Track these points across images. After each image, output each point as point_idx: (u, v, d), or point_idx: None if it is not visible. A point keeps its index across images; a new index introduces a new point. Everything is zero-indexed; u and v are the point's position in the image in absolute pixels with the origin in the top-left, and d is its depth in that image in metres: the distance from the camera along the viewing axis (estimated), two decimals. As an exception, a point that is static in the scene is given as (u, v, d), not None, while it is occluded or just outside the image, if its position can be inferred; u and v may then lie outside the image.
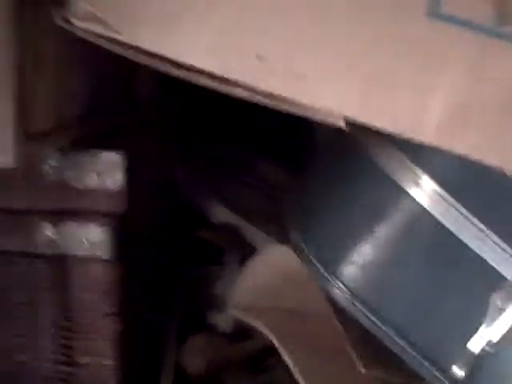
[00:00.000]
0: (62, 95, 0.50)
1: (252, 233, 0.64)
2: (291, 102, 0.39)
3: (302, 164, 0.63)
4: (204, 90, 0.43)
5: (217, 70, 0.40)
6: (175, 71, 0.40)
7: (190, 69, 0.40)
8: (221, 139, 0.77)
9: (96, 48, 0.43)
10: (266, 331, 0.50)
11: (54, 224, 0.50)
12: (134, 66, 0.64)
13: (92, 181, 0.49)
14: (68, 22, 0.42)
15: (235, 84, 0.40)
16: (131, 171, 0.49)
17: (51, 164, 0.48)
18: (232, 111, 0.65)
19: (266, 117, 0.52)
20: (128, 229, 0.51)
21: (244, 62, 0.40)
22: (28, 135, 0.45)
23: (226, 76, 0.40)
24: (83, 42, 0.43)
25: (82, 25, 0.41)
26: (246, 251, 0.62)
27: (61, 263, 0.50)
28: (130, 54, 0.41)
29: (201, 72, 0.40)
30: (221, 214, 0.66)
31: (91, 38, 0.41)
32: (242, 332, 0.59)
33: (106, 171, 0.49)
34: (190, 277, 0.66)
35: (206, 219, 0.67)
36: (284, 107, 0.39)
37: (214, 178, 0.71)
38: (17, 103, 0.43)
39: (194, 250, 0.66)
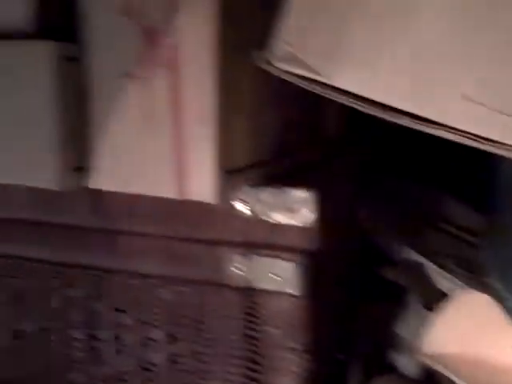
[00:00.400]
0: (257, 133, 0.51)
1: (438, 274, 0.61)
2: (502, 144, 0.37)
3: (493, 205, 0.60)
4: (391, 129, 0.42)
5: (419, 111, 0.39)
6: (377, 112, 0.39)
7: (390, 109, 0.39)
8: (404, 176, 0.75)
9: (287, 87, 0.43)
10: (457, 380, 0.48)
11: (245, 257, 0.51)
12: (323, 104, 0.65)
13: (283, 217, 0.49)
14: (268, 63, 0.42)
15: (437, 125, 0.38)
16: (320, 208, 0.49)
17: (245, 199, 0.50)
18: (415, 148, 0.63)
19: (452, 154, 0.49)
20: (316, 265, 0.51)
21: (448, 103, 0.38)
22: (225, 172, 0.47)
23: (430, 117, 0.38)
24: (276, 82, 0.43)
25: (282, 66, 0.41)
26: (431, 293, 0.60)
27: (250, 296, 0.51)
28: (330, 95, 0.41)
29: (401, 112, 0.39)
30: (404, 252, 0.64)
31: (291, 79, 0.42)
32: (427, 377, 0.57)
33: (297, 207, 0.49)
34: (371, 314, 0.65)
35: (389, 257, 0.65)
36: (495, 150, 0.37)
37: (397, 216, 0.69)
38: (217, 141, 0.45)
39: (376, 286, 0.65)
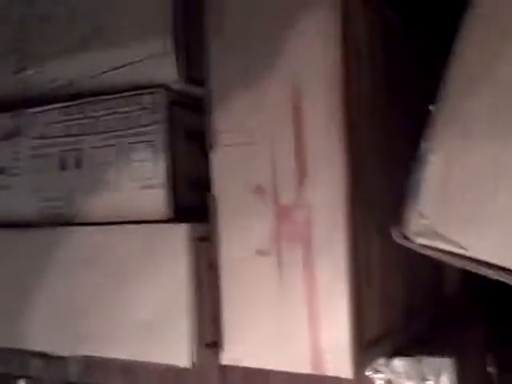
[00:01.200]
0: (386, 303, 0.50)
1: None
2: None
3: None
4: None
5: None
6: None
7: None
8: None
9: (412, 253, 0.42)
10: None
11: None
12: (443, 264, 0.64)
13: (421, 387, 0.47)
14: (405, 237, 0.41)
15: None
16: (457, 375, 0.47)
17: (379, 371, 0.48)
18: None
19: None
20: None
21: None
22: (359, 345, 0.45)
23: None
24: (402, 250, 0.43)
25: (421, 241, 0.41)
26: None
27: None
28: (474, 268, 0.39)
29: None
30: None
31: (431, 254, 0.41)
32: None
33: (434, 377, 0.47)
34: None
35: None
36: None
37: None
38: (352, 315, 0.44)
39: None
